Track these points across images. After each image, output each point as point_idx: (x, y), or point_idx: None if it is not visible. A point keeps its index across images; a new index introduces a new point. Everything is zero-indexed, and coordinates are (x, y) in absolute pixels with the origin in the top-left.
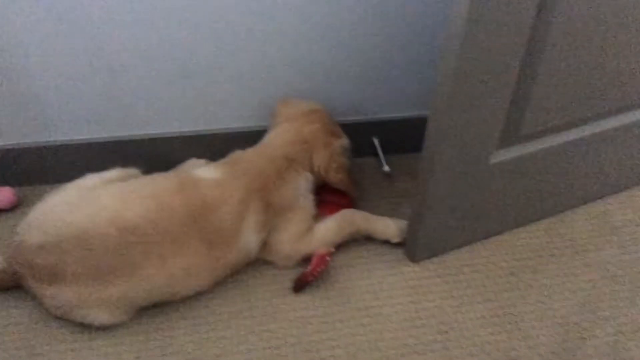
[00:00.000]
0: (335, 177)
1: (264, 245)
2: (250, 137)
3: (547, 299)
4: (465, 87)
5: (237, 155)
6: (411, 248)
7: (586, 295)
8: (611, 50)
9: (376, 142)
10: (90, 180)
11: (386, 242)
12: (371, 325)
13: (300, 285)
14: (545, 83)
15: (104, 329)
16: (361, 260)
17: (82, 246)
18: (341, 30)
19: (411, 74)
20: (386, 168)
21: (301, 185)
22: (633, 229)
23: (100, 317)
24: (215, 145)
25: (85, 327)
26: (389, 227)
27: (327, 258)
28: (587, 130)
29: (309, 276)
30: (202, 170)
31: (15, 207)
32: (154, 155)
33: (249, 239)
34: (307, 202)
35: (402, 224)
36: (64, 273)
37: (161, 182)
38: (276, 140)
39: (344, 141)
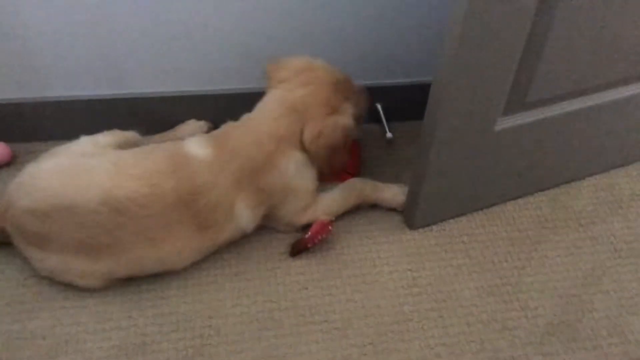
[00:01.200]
0: (322, 159)
1: (264, 216)
2: (248, 99)
3: (548, 270)
4: (471, 52)
5: (228, 130)
6: (410, 215)
7: (588, 268)
8: (621, 19)
9: (379, 108)
10: (85, 144)
11: (386, 209)
12: (367, 292)
13: (297, 250)
14: (554, 49)
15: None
16: (359, 226)
17: (71, 219)
18: None
19: (416, 39)
20: (389, 135)
21: (290, 168)
22: None
23: (87, 284)
24: (212, 106)
25: (76, 286)
26: (397, 195)
27: (329, 227)
28: (594, 100)
29: (308, 242)
30: (195, 146)
31: (10, 163)
32: (150, 114)
33: (243, 218)
34: (301, 181)
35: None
36: (51, 241)
37: (154, 160)
38: (262, 113)
39: (344, 118)
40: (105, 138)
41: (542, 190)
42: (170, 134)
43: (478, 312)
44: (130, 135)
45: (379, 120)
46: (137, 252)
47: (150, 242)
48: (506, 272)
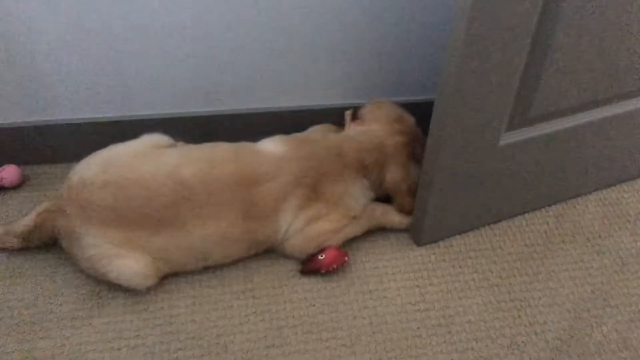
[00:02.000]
0: (403, 199)
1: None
2: (254, 120)
3: (556, 285)
4: (473, 68)
5: (312, 136)
6: (417, 231)
7: (597, 283)
8: (624, 33)
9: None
10: (161, 138)
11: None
12: (375, 308)
13: (309, 270)
14: (556, 64)
15: (104, 305)
16: (366, 242)
17: (141, 192)
18: (348, 12)
19: (419, 57)
20: None
21: (356, 188)
22: None
23: (133, 265)
24: (218, 127)
25: (85, 305)
26: (403, 218)
27: (346, 258)
28: (598, 114)
29: (322, 267)
30: (269, 142)
31: (20, 185)
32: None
33: (283, 221)
34: (354, 204)
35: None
36: (119, 215)
37: (223, 148)
38: (357, 139)
39: (419, 165)
40: (167, 139)
41: (548, 205)
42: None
43: (486, 327)
44: None
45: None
46: (189, 228)
47: (201, 218)
48: (514, 288)
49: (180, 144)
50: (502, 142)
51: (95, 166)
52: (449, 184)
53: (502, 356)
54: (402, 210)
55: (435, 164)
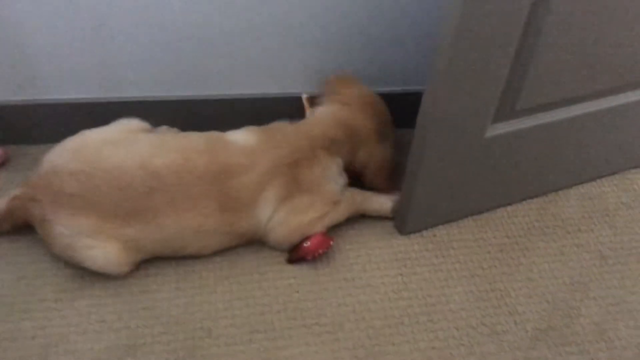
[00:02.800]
0: (372, 179)
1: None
2: (242, 105)
3: (536, 276)
4: (462, 60)
5: (278, 125)
6: (401, 221)
7: (576, 275)
8: (610, 29)
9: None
10: (136, 123)
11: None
12: (358, 295)
13: (295, 259)
14: (543, 58)
15: (87, 287)
16: (350, 231)
17: (112, 181)
18: (338, 2)
19: (407, 48)
20: None
21: (332, 169)
22: (626, 211)
23: (106, 255)
24: (203, 112)
25: (68, 286)
26: (384, 204)
27: (330, 242)
28: (583, 108)
29: (307, 254)
30: (238, 133)
31: (4, 164)
32: (144, 117)
33: (264, 212)
34: (334, 186)
35: (396, 197)
36: (89, 203)
37: (194, 139)
38: (324, 119)
39: (388, 145)
40: (142, 123)
41: (530, 197)
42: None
43: (467, 316)
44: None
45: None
46: (162, 219)
47: (175, 210)
48: (495, 278)
49: (164, 127)
50: (488, 134)
51: (65, 153)
52: (434, 174)
53: (482, 344)
54: (373, 188)
55: (421, 154)
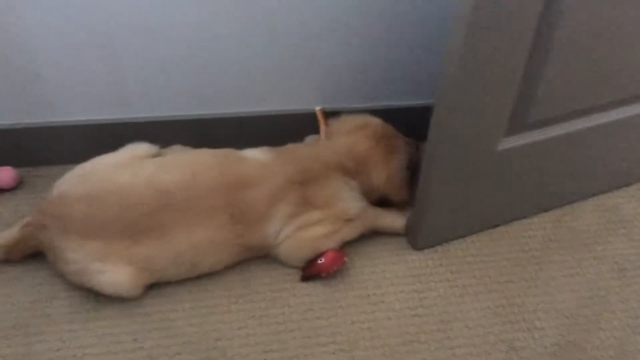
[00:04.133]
0: (398, 196)
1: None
2: (254, 123)
3: (554, 291)
4: (472, 73)
5: (292, 147)
6: (415, 236)
7: (594, 288)
8: (622, 40)
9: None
10: (146, 147)
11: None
12: (373, 312)
13: (309, 276)
14: (555, 70)
15: (102, 308)
16: (364, 247)
17: (118, 201)
18: (348, 17)
19: (418, 61)
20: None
21: (345, 191)
22: None
23: (117, 275)
24: (215, 130)
25: (82, 308)
26: (395, 221)
27: (345, 258)
28: (596, 120)
29: (322, 271)
30: (251, 151)
31: (16, 188)
32: (154, 139)
33: (274, 226)
34: (347, 204)
35: (408, 213)
36: (96, 226)
37: (202, 155)
38: (330, 148)
39: (400, 155)
40: (152, 148)
41: (545, 210)
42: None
43: (484, 332)
44: None
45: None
46: (174, 235)
47: (187, 226)
48: (512, 293)
49: (177, 147)
50: (500, 147)
51: (73, 179)
52: (447, 188)
53: None
54: (404, 205)
55: (433, 169)
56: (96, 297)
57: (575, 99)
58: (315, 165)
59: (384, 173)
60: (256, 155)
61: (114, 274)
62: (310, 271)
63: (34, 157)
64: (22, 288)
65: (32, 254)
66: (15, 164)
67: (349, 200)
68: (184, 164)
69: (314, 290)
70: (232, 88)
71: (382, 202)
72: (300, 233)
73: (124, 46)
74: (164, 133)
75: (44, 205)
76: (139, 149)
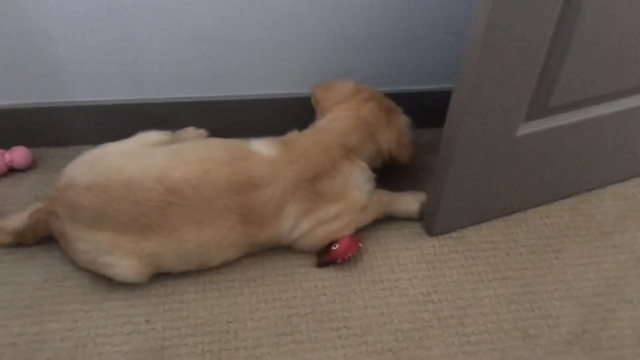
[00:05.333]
0: (407, 154)
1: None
2: (266, 106)
3: (570, 279)
4: (493, 57)
5: (294, 137)
6: (430, 222)
7: (611, 277)
8: None
9: None
10: (156, 135)
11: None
12: (386, 298)
13: (324, 262)
14: (577, 54)
15: (114, 289)
16: (378, 232)
17: (128, 195)
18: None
19: (436, 45)
20: None
21: (355, 177)
22: None
23: (126, 269)
24: (228, 112)
25: (95, 288)
26: (410, 204)
27: (359, 244)
28: (617, 106)
29: (337, 257)
30: (259, 145)
31: (30, 167)
32: (168, 119)
33: (286, 224)
34: (359, 194)
35: (423, 198)
36: (105, 217)
37: (213, 149)
38: (335, 126)
39: (404, 116)
40: (162, 135)
41: (563, 197)
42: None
43: (499, 320)
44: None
45: None
46: (182, 233)
47: (196, 224)
48: (527, 280)
49: (190, 129)
50: (519, 133)
51: (82, 166)
52: (464, 174)
53: (515, 349)
54: (408, 165)
55: (451, 154)
56: (109, 278)
57: (596, 84)
58: (323, 157)
59: (393, 133)
60: (263, 150)
61: (123, 268)
62: (325, 257)
63: (48, 138)
64: (35, 268)
65: (42, 240)
66: (29, 144)
67: (360, 188)
68: (195, 159)
69: (327, 274)
70: (244, 70)
71: (386, 167)
72: (318, 230)
73: (137, 27)
74: (177, 114)
75: (54, 191)
76: (149, 137)
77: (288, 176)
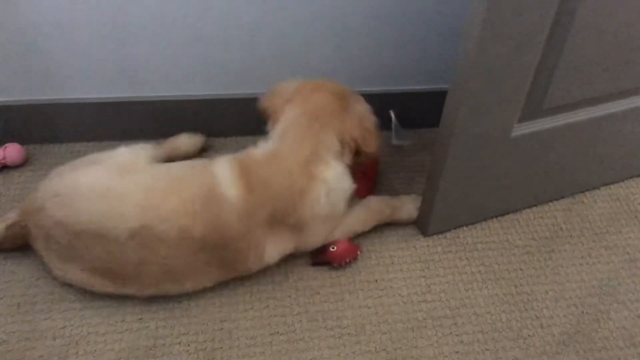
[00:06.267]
0: (373, 142)
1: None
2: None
3: (563, 280)
4: (488, 58)
5: (253, 164)
6: (424, 222)
7: (604, 278)
8: (639, 28)
9: (392, 114)
10: (122, 157)
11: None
12: (380, 297)
13: (320, 262)
14: (572, 56)
15: None
16: (373, 232)
17: (100, 247)
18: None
19: (431, 46)
20: (394, 141)
21: (322, 195)
22: None
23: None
24: (223, 111)
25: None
26: (411, 212)
27: (358, 252)
28: (611, 108)
29: (334, 261)
30: (223, 179)
31: (23, 164)
32: (162, 118)
33: (271, 257)
34: (333, 208)
35: (419, 201)
36: (78, 257)
37: (185, 199)
38: (284, 139)
39: (363, 102)
40: (142, 152)
41: (557, 198)
42: (165, 145)
43: (492, 320)
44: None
45: (390, 127)
46: (162, 287)
47: (176, 281)
48: (521, 281)
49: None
50: (514, 134)
51: (56, 197)
52: (458, 174)
53: (508, 349)
54: (377, 151)
55: (445, 154)
56: None
57: (590, 86)
58: (285, 185)
59: (353, 120)
60: (229, 193)
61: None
62: (321, 257)
63: (41, 134)
64: (27, 266)
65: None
66: (22, 140)
67: (337, 202)
68: (168, 213)
69: (322, 274)
70: (240, 69)
71: (360, 164)
72: (306, 245)
73: (131, 24)
74: (171, 112)
75: (29, 207)
76: (126, 159)
77: (260, 222)
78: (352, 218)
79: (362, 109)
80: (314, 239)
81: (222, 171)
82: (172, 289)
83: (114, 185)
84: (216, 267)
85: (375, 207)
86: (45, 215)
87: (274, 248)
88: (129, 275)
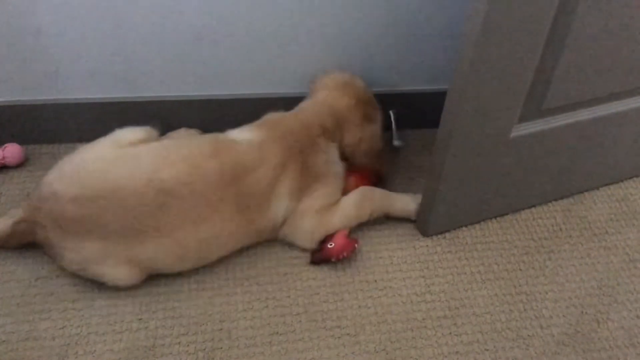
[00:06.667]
0: (362, 160)
1: (286, 221)
2: (261, 105)
3: (563, 280)
4: (488, 59)
5: (272, 117)
6: (424, 222)
7: (603, 278)
8: (637, 29)
9: (392, 115)
10: (124, 135)
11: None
12: (380, 298)
13: (319, 260)
14: (571, 57)
15: (106, 288)
16: (372, 232)
17: (118, 203)
18: (359, 1)
19: (431, 46)
20: (396, 142)
21: (333, 154)
22: None
23: (118, 276)
24: (223, 111)
25: (87, 287)
26: (407, 204)
27: (355, 245)
28: (610, 108)
29: (332, 255)
30: (238, 132)
31: (22, 164)
32: (163, 118)
33: (280, 205)
34: (338, 169)
35: (420, 200)
36: (94, 227)
37: (198, 144)
38: (311, 108)
39: (376, 127)
40: (138, 132)
41: (556, 199)
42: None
43: (492, 320)
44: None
45: (391, 127)
46: (180, 233)
47: (193, 222)
48: (520, 281)
49: (182, 130)
50: (513, 134)
51: (64, 178)
52: (458, 175)
53: (508, 349)
54: (378, 173)
55: (444, 155)
56: None
57: (590, 87)
58: (305, 134)
59: (356, 134)
60: (245, 136)
61: (115, 275)
62: (320, 255)
63: (40, 134)
64: (26, 266)
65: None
66: (21, 140)
67: (338, 165)
68: (182, 157)
69: (321, 274)
70: (239, 69)
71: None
72: (310, 219)
73: (131, 24)
74: (170, 112)
75: (36, 202)
76: (125, 136)
77: (276, 153)
78: (345, 204)
79: (374, 132)
80: (314, 201)
81: (234, 130)
82: (191, 236)
83: (123, 154)
84: (231, 204)
85: (368, 194)
86: (59, 197)
87: (283, 192)
88: (149, 228)
